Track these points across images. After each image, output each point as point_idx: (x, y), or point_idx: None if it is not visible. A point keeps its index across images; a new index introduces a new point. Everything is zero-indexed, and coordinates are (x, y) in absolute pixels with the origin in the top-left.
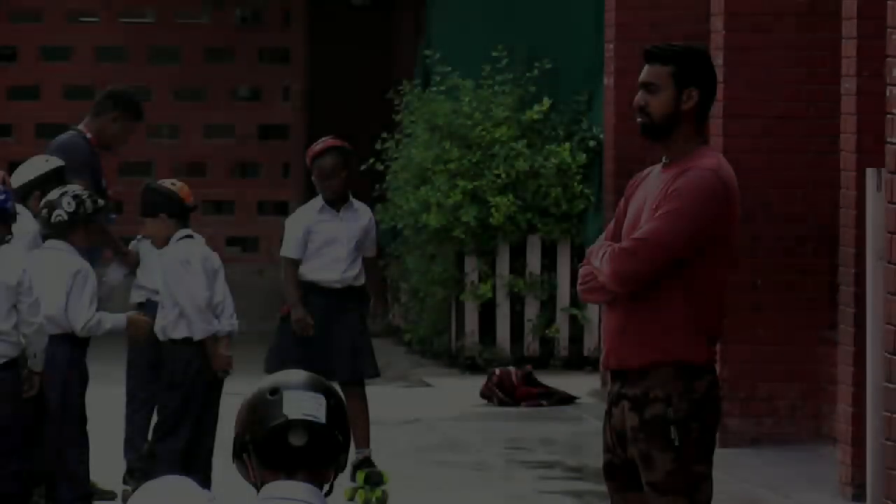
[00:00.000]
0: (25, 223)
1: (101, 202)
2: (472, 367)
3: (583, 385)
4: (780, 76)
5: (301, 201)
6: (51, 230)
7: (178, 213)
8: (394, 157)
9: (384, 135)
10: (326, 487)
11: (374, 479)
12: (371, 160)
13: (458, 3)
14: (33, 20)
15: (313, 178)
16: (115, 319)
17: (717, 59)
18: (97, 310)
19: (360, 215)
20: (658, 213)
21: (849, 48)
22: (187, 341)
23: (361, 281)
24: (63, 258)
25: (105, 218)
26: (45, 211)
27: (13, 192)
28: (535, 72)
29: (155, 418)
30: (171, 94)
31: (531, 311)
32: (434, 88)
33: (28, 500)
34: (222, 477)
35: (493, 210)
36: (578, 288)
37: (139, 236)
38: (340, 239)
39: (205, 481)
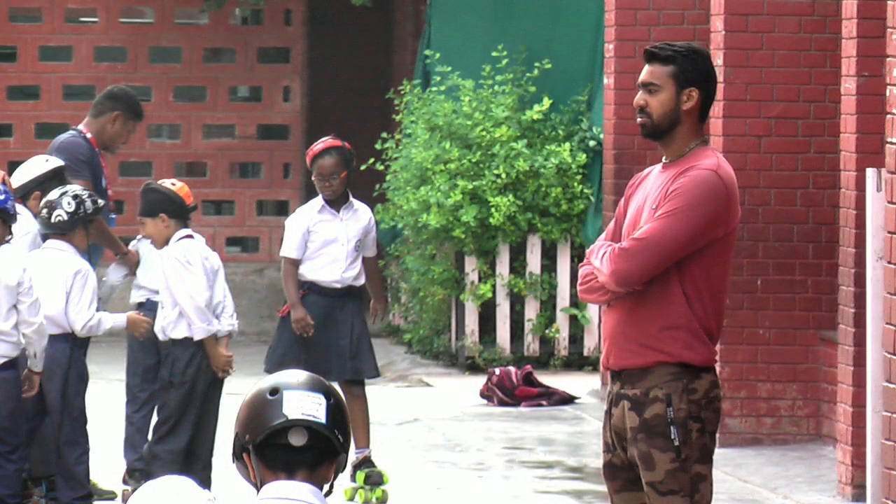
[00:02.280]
0: (25, 223)
1: (101, 202)
2: (472, 367)
3: (583, 385)
4: (780, 76)
5: (301, 201)
6: (51, 230)
7: (178, 213)
8: (394, 157)
9: (384, 135)
10: (326, 487)
11: (374, 479)
12: (371, 160)
13: (458, 3)
14: (33, 20)
15: (313, 178)
16: (115, 319)
17: (717, 59)
18: (97, 310)
19: (360, 215)
20: (658, 213)
21: (849, 48)
22: (187, 341)
23: (361, 281)
24: (63, 258)
25: (105, 218)
26: (45, 211)
27: (13, 192)
28: (536, 72)
29: (155, 418)
30: (171, 94)
31: (531, 311)
32: (434, 88)
33: (28, 500)
34: (222, 477)
35: (493, 210)
36: (578, 288)
37: (139, 236)
38: (340, 239)
39: (205, 481)
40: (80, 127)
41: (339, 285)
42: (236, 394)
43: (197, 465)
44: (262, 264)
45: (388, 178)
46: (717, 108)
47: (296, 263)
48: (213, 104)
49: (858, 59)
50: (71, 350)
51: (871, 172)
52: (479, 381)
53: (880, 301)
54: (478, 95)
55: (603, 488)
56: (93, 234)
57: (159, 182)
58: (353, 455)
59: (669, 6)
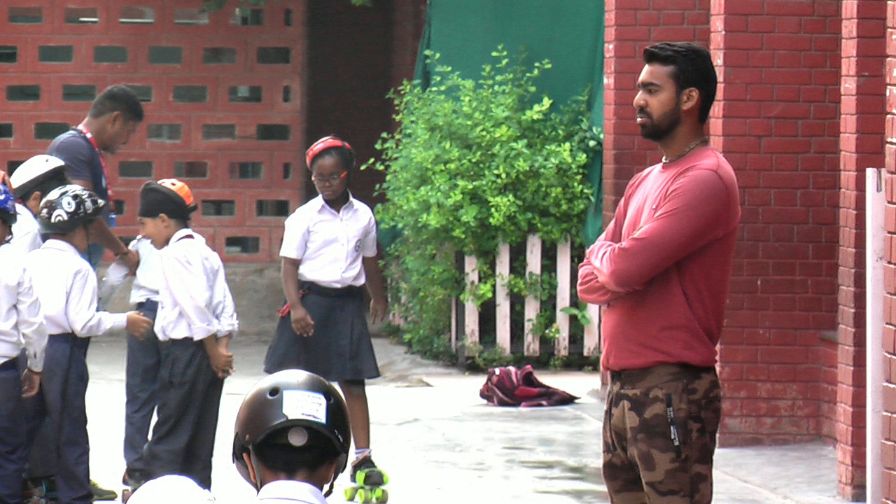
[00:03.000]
0: (25, 223)
1: (101, 202)
2: (472, 367)
3: (583, 385)
4: (780, 76)
5: (301, 201)
6: (51, 230)
7: (178, 213)
8: (394, 157)
9: (384, 135)
10: (326, 487)
11: (374, 479)
12: (371, 160)
13: (458, 3)
14: (33, 20)
15: (313, 178)
16: (115, 319)
17: (717, 59)
18: (97, 310)
19: (359, 215)
20: (658, 213)
21: (849, 48)
22: (187, 341)
23: (361, 281)
24: (63, 258)
25: (105, 218)
26: (45, 211)
27: (13, 192)
28: (536, 72)
29: (155, 418)
30: (171, 94)
31: (531, 311)
32: (434, 88)
33: (28, 500)
34: (222, 477)
35: (493, 210)
36: (578, 288)
37: (139, 236)
38: (340, 239)
39: (205, 481)
40: (80, 127)
41: (339, 285)
42: (236, 394)
43: (197, 465)
44: (262, 264)
45: (388, 178)
46: (717, 108)
47: (296, 263)
48: (213, 104)
49: (858, 59)
50: (71, 350)
51: (871, 172)
52: (479, 381)
53: (880, 301)
54: (478, 95)
55: (603, 488)
56: (93, 234)
57: (159, 182)
58: (353, 455)
59: (669, 6)
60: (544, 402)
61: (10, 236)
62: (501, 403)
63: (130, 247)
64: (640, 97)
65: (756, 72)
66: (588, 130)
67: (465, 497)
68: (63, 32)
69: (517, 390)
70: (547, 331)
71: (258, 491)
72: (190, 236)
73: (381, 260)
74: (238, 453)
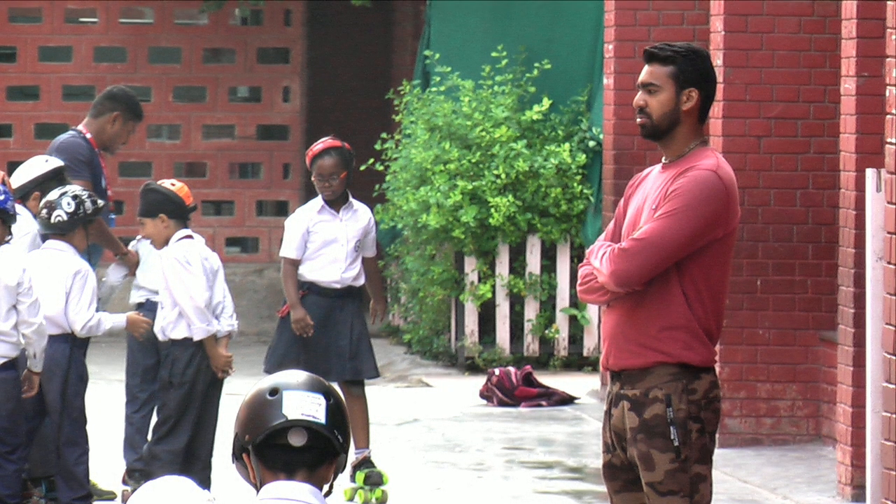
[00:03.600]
0: (25, 223)
1: (100, 202)
2: (472, 367)
3: (583, 385)
4: (780, 76)
5: (301, 201)
6: (51, 230)
7: (178, 213)
8: (394, 158)
9: (384, 135)
10: (326, 488)
11: (374, 479)
12: (371, 160)
13: (458, 3)
14: (33, 20)
15: (313, 178)
16: (114, 319)
17: (717, 60)
18: (97, 310)
19: (359, 216)
20: (658, 213)
21: (849, 48)
22: (187, 341)
23: (361, 281)
24: (63, 258)
25: (105, 218)
26: (45, 211)
27: (13, 193)
28: (535, 72)
29: (155, 418)
30: (171, 95)
31: (531, 311)
32: (434, 89)
33: (28, 500)
34: (222, 477)
35: (492, 210)
36: (578, 288)
37: (139, 236)
38: (340, 239)
39: (204, 481)
40: (80, 127)
41: (338, 286)
42: (236, 394)
43: (197, 465)
44: (261, 264)
45: (387, 178)
46: (717, 109)
47: (295, 264)
48: (213, 104)
49: (858, 59)
50: (71, 350)
51: (870, 173)
52: (479, 381)
53: (880, 301)
54: (477, 96)
55: (603, 488)
56: (93, 235)
57: (159, 182)
58: (352, 455)
59: (669, 6)
60: (544, 403)
61: (9, 236)
62: (501, 404)
63: (130, 247)
64: (639, 97)
65: (756, 72)
66: (588, 131)
67: (464, 497)
68: (63, 33)
69: (517, 391)
70: (547, 331)
71: (258, 491)
72: (190, 236)
73: (380, 260)
74: (238, 453)
